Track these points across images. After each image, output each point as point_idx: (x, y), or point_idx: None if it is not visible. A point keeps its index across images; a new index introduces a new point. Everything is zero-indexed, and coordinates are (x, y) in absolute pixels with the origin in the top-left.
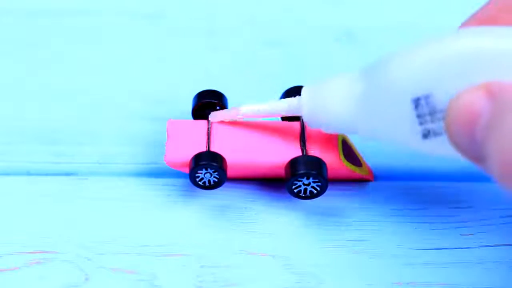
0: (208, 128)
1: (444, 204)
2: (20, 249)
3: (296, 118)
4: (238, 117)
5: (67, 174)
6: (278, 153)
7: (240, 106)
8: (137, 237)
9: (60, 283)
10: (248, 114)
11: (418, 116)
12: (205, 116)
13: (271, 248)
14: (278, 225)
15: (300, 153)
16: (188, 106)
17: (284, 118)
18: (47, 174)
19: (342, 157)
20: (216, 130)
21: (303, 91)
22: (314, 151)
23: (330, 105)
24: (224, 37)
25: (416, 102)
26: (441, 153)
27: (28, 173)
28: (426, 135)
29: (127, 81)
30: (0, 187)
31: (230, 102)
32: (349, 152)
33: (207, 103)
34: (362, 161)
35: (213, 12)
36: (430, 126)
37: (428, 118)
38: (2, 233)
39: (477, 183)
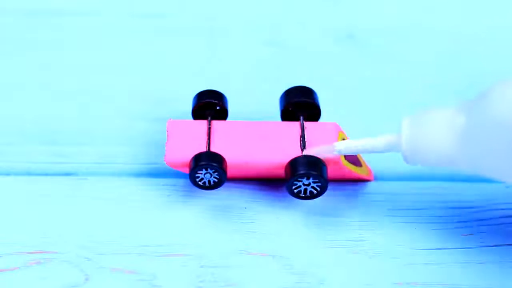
0: (208, 128)
1: (444, 204)
2: (20, 249)
3: (296, 119)
4: (334, 153)
5: (67, 174)
6: (278, 153)
7: (335, 143)
8: (137, 237)
9: (60, 283)
10: (344, 150)
11: None
12: (205, 116)
13: (271, 248)
14: (278, 225)
15: (300, 153)
16: (188, 106)
17: (283, 118)
18: (47, 174)
19: (342, 157)
20: (216, 130)
21: (401, 127)
22: None
23: (432, 143)
24: (224, 37)
25: None
26: None
27: (28, 173)
28: None
29: (127, 81)
30: (0, 187)
31: (230, 102)
32: None
33: (207, 103)
34: (362, 161)
35: (213, 12)
36: None
37: None
38: (2, 233)
39: (477, 183)
